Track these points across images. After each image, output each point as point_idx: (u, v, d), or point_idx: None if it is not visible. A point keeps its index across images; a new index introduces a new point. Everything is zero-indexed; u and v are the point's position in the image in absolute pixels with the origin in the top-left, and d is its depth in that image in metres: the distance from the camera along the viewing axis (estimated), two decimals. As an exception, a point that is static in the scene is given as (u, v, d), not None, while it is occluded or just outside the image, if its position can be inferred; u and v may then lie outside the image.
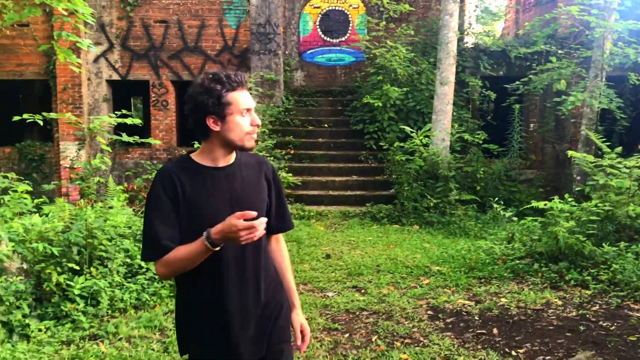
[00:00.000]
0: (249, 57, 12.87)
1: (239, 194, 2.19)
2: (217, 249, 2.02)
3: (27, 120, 6.54)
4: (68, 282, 5.04)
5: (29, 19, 13.08)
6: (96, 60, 13.54)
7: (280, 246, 2.47)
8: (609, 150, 7.54)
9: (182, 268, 2.11)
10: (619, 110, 9.78)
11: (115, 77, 13.67)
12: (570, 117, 11.11)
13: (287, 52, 14.28)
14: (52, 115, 7.18)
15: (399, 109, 11.20)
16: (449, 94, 10.11)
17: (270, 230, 2.33)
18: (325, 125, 12.26)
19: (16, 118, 6.72)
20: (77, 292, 4.99)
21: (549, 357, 4.19)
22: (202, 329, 2.20)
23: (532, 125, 12.47)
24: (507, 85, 10.91)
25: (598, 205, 6.42)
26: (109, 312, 5.07)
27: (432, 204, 9.21)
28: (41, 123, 6.59)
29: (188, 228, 2.12)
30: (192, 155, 2.24)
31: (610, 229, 6.64)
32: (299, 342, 2.37)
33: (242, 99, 2.14)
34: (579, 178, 9.67)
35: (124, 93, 19.14)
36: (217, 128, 2.13)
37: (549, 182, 11.99)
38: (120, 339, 4.55)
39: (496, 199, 8.56)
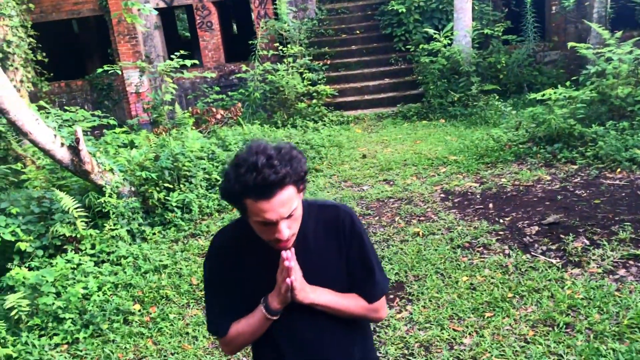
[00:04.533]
0: (281, -29, 13.71)
1: (305, 267, 1.83)
2: (275, 317, 1.85)
3: (109, 71, 8.04)
4: (166, 197, 6.73)
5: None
6: (143, -8, 14.67)
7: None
8: (608, 36, 8.41)
9: (244, 342, 1.94)
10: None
11: (162, 5, 14.81)
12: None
13: (315, -39, 14.95)
14: (126, 64, 8.64)
15: (423, 10, 12.03)
16: (467, -9, 10.88)
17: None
18: (357, 32, 13.25)
19: (99, 70, 8.24)
20: (174, 204, 6.68)
21: (527, 222, 5.60)
22: None
23: (554, 7, 13.01)
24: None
25: (588, 92, 7.48)
26: (199, 216, 6.77)
27: (456, 98, 10.38)
28: (120, 72, 8.08)
29: (246, 305, 1.90)
30: None
31: (603, 110, 7.74)
32: None
33: (262, 212, 1.65)
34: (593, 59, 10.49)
35: (171, 16, 20.32)
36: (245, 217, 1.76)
37: (572, 61, 12.70)
38: (212, 235, 6.23)
39: (499, 91, 9.56)
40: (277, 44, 11.98)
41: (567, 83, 8.16)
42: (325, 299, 1.87)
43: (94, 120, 8.61)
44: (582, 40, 13.05)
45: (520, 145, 7.67)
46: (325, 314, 1.88)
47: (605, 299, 4.09)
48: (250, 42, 13.03)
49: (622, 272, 4.47)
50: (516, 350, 3.70)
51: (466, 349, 3.80)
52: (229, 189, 1.66)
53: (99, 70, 8.07)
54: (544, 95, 7.72)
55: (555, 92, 7.58)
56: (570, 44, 8.61)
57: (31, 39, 11.83)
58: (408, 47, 11.96)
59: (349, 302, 1.92)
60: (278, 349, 1.92)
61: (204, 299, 2.04)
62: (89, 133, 8.33)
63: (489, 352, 3.72)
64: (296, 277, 1.79)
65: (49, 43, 16.58)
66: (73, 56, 18.43)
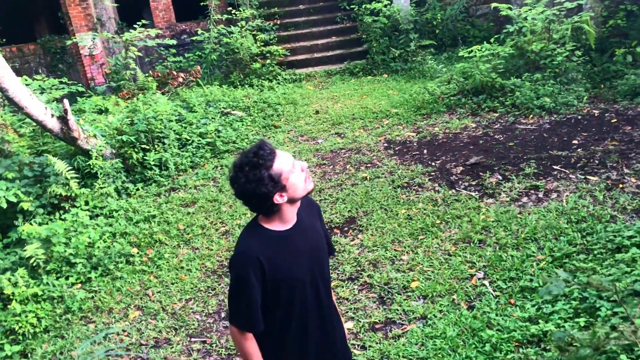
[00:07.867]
0: None
1: (312, 245, 2.41)
2: None
3: (62, 35, 8.62)
4: (144, 157, 7.60)
5: None
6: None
7: None
8: (525, -4, 9.53)
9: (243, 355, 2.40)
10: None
11: (109, -34, 15.07)
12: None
13: None
14: (87, 34, 9.20)
15: (365, -32, 12.87)
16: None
17: None
18: (304, -10, 14.01)
19: (68, 42, 8.82)
20: (152, 162, 7.57)
21: (454, 163, 6.79)
22: None
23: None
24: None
25: (507, 48, 8.64)
26: (176, 172, 7.69)
27: (397, 55, 11.42)
28: (87, 44, 8.70)
29: (276, 295, 2.31)
30: (264, 224, 2.34)
31: (521, 64, 8.93)
32: None
33: (284, 163, 2.21)
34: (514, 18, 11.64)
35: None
36: (284, 199, 2.24)
37: (501, 15, 13.84)
38: (189, 188, 7.21)
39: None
40: (230, 8, 12.60)
41: (492, 40, 9.30)
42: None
43: (63, 88, 9.26)
44: (510, -6, 14.19)
45: (452, 98, 8.81)
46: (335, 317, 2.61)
47: (509, 220, 5.30)
48: (201, 3, 13.57)
49: (524, 199, 5.71)
50: (441, 262, 4.90)
51: (404, 263, 4.97)
52: (267, 175, 2.17)
53: (68, 41, 8.65)
54: (470, 52, 8.84)
55: (480, 50, 8.71)
56: (493, 5, 9.71)
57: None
58: (352, 6, 12.84)
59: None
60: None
61: (231, 298, 2.36)
62: (56, 100, 8.92)
63: (422, 264, 4.90)
64: None
65: (-5, 7, 16.58)
66: (19, 20, 18.39)
